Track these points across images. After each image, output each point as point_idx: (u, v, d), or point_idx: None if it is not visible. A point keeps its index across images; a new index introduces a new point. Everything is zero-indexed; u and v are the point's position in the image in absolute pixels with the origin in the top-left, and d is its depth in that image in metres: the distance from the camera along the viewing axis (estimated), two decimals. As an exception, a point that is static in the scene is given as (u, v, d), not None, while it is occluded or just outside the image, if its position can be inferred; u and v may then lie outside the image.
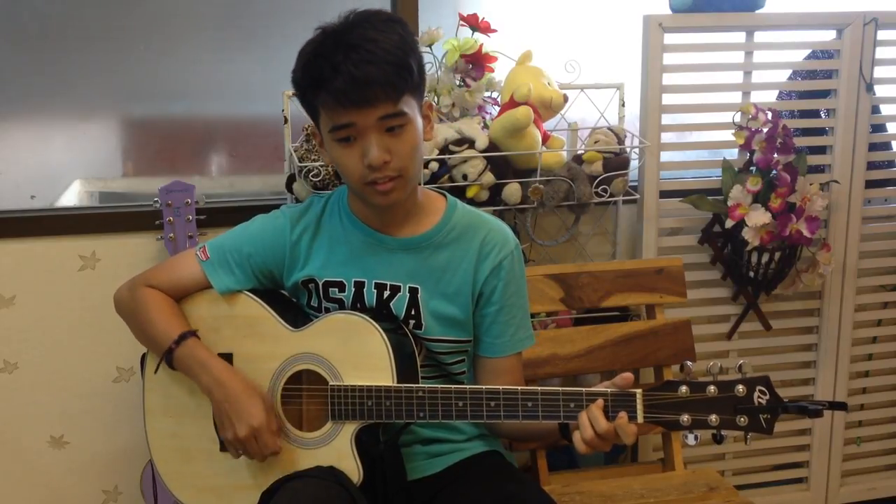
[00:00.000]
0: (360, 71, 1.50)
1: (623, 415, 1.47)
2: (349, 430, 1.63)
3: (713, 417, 1.45)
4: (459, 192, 2.24)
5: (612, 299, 2.33)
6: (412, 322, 1.71)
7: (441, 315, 1.71)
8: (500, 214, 2.30)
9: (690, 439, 1.47)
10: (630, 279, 2.34)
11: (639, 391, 1.48)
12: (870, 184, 2.70)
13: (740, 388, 1.44)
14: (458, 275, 1.71)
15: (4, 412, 2.46)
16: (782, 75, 2.67)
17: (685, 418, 1.45)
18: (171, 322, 1.70)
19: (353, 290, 1.71)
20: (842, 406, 1.48)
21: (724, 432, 1.46)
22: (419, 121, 1.61)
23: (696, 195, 2.54)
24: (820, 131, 2.68)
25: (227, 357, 1.70)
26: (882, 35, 2.58)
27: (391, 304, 1.71)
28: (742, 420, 1.44)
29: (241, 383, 1.63)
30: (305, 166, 2.17)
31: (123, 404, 2.49)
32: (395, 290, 1.70)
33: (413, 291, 1.70)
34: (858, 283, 2.74)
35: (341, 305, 1.72)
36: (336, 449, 1.63)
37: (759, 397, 1.44)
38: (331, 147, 1.61)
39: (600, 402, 1.49)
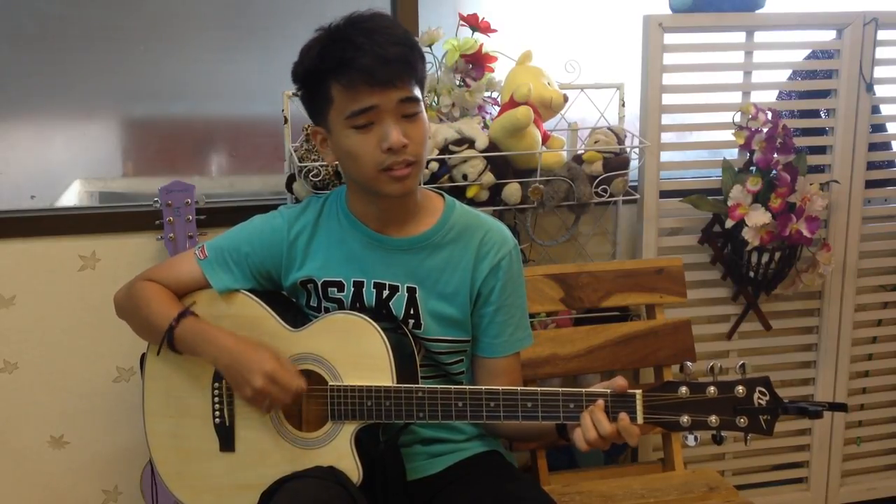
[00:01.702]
0: (385, 50, 1.52)
1: (625, 416, 1.47)
2: (349, 430, 1.63)
3: (713, 418, 1.44)
4: (459, 192, 2.24)
5: (612, 299, 2.33)
6: (411, 322, 1.71)
7: (439, 315, 1.71)
8: (500, 214, 2.31)
9: (690, 440, 1.47)
10: (630, 279, 2.34)
11: (639, 392, 1.48)
12: (870, 184, 2.70)
13: (740, 388, 1.44)
14: (456, 275, 1.71)
15: (4, 412, 2.46)
16: (782, 75, 2.67)
17: (685, 419, 1.45)
18: (169, 305, 1.71)
19: (353, 289, 1.71)
20: (842, 407, 1.48)
21: (723, 433, 1.46)
22: (424, 109, 1.63)
23: (696, 195, 2.54)
24: (820, 131, 2.68)
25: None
26: (882, 35, 2.58)
27: (390, 303, 1.71)
28: (742, 421, 1.44)
29: (244, 342, 1.64)
30: (305, 166, 2.17)
31: (123, 404, 2.49)
32: (394, 289, 1.71)
33: (411, 291, 1.71)
34: (858, 283, 2.74)
35: (340, 305, 1.72)
36: (336, 449, 1.63)
37: (758, 398, 1.44)
38: (343, 137, 1.59)
39: (601, 402, 1.49)
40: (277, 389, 1.60)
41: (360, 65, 1.52)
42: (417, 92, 1.59)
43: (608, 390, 1.50)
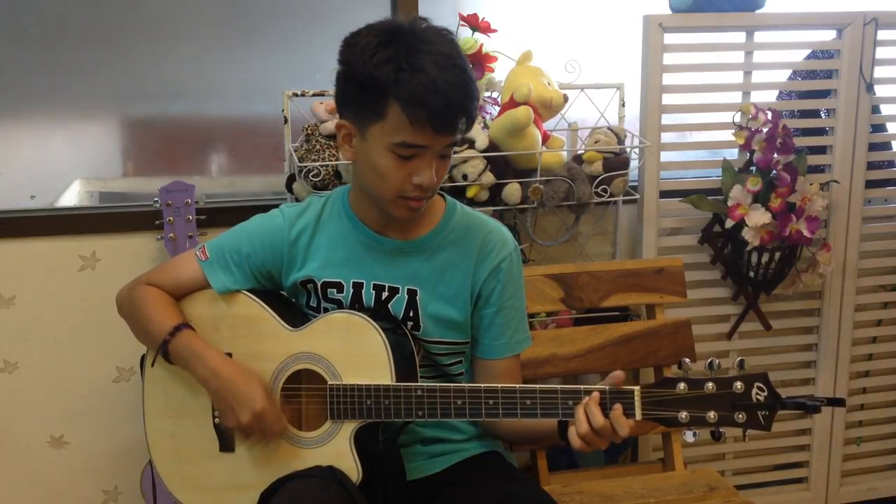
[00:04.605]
0: (456, 97, 1.50)
1: (618, 407, 1.47)
2: (348, 429, 1.63)
3: (711, 414, 1.44)
4: (459, 192, 2.24)
5: (612, 299, 2.33)
6: (410, 324, 1.71)
7: (439, 317, 1.71)
8: (500, 214, 2.31)
9: (689, 436, 1.47)
10: (630, 279, 2.33)
11: (637, 388, 1.48)
12: (870, 184, 2.70)
13: (738, 384, 1.43)
14: (457, 276, 1.71)
15: (4, 412, 2.46)
16: (782, 75, 2.67)
17: (683, 415, 1.45)
18: (167, 315, 1.71)
19: (352, 290, 1.71)
20: (840, 402, 1.48)
21: (722, 429, 1.45)
22: None
23: (696, 195, 2.54)
24: (820, 131, 2.68)
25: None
26: (882, 35, 2.58)
27: (389, 305, 1.71)
28: (740, 417, 1.43)
29: (237, 370, 1.64)
30: (305, 166, 2.17)
31: (123, 404, 2.49)
32: (394, 291, 1.70)
33: (412, 293, 1.70)
34: (858, 283, 2.74)
35: (339, 306, 1.72)
36: (335, 448, 1.63)
37: (757, 394, 1.43)
38: (378, 154, 1.56)
39: (596, 395, 1.49)
40: (261, 430, 1.62)
41: (434, 108, 1.48)
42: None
43: (607, 387, 1.49)
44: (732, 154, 2.59)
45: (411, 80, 1.48)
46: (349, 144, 1.63)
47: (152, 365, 1.75)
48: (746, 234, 2.44)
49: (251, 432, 1.63)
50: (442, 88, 1.48)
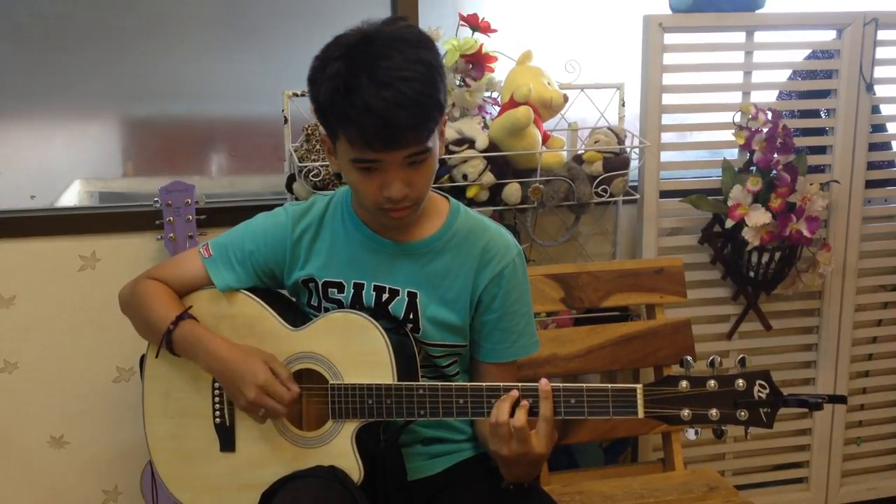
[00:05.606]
0: (393, 114, 1.44)
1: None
2: (349, 428, 1.62)
3: (713, 412, 1.44)
4: (459, 192, 2.24)
5: (612, 299, 2.33)
6: (409, 326, 1.70)
7: (439, 321, 1.70)
8: (500, 214, 2.31)
9: (691, 434, 1.47)
10: (630, 279, 2.34)
11: (639, 386, 1.48)
12: (870, 184, 2.71)
13: (740, 382, 1.44)
14: (457, 281, 1.70)
15: (4, 412, 2.46)
16: (782, 75, 2.67)
17: (685, 413, 1.45)
18: (170, 306, 1.70)
19: (353, 291, 1.70)
20: (841, 399, 1.48)
21: (724, 426, 1.46)
22: (437, 144, 1.58)
23: (696, 195, 2.54)
24: (820, 131, 2.68)
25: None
26: (882, 35, 2.58)
27: (389, 307, 1.70)
28: (742, 414, 1.44)
29: (237, 351, 1.63)
30: (305, 166, 2.18)
31: (123, 404, 2.49)
32: (394, 293, 1.70)
33: (412, 296, 1.69)
34: (858, 283, 2.75)
35: (340, 306, 1.71)
36: (336, 448, 1.63)
37: (759, 391, 1.44)
38: (347, 170, 1.56)
39: (515, 393, 1.53)
40: (272, 402, 1.59)
41: (367, 130, 1.46)
42: (430, 141, 1.53)
43: (609, 385, 1.49)
44: (732, 154, 2.59)
45: (344, 103, 1.46)
46: (333, 156, 1.63)
47: (157, 356, 1.74)
48: (746, 234, 2.44)
49: (260, 407, 1.59)
50: (375, 109, 1.43)
